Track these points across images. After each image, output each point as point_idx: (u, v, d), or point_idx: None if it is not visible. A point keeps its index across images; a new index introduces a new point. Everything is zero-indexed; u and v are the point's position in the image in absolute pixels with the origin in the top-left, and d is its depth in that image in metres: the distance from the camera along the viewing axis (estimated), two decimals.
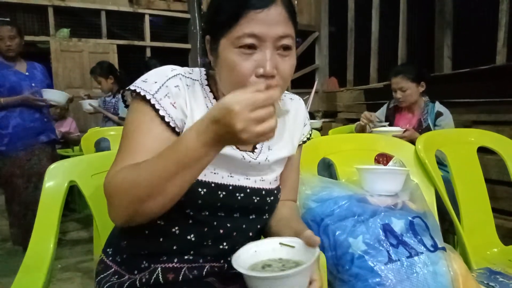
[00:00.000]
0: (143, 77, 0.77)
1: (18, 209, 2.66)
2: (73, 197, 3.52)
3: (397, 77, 2.39)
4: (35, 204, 2.62)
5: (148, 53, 5.69)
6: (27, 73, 2.68)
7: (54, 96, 2.76)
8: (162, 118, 0.74)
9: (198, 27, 5.54)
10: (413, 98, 2.38)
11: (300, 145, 0.96)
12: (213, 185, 0.78)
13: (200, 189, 0.77)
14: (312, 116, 4.06)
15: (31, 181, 2.63)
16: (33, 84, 2.67)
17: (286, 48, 0.74)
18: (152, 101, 0.74)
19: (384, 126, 2.39)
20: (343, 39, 5.15)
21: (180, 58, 5.80)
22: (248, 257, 0.69)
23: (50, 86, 2.87)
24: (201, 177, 0.77)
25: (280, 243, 0.72)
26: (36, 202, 2.62)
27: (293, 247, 0.71)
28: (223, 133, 0.60)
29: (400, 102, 2.42)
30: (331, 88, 5.30)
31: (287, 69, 0.75)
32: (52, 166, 1.07)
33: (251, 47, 0.71)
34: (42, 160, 2.66)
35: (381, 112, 2.63)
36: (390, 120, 2.53)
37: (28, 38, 4.94)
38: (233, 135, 0.59)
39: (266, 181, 0.86)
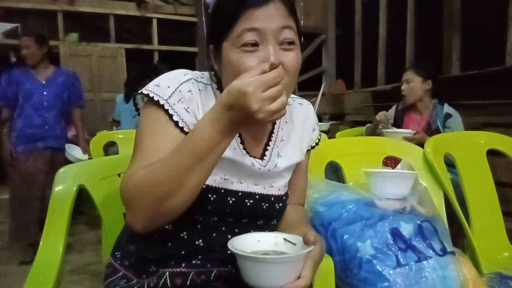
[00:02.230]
0: (155, 81, 0.77)
1: (14, 205, 2.81)
2: (83, 200, 3.54)
3: (407, 71, 2.46)
4: (28, 203, 2.78)
5: (156, 56, 5.73)
6: (44, 82, 2.78)
7: (73, 155, 2.93)
8: (176, 123, 0.74)
9: (205, 31, 5.57)
10: (417, 93, 2.39)
11: (308, 150, 0.96)
12: (222, 191, 0.78)
13: (210, 195, 0.77)
14: (319, 118, 4.03)
15: (26, 180, 2.74)
16: (44, 93, 2.76)
17: (290, 43, 0.73)
18: (166, 107, 0.74)
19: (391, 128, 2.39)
20: (350, 41, 5.13)
21: (188, 62, 5.84)
22: (250, 243, 0.71)
23: (74, 93, 2.94)
24: (211, 183, 0.77)
25: (284, 239, 0.74)
26: (28, 201, 2.80)
27: (294, 244, 0.72)
28: (239, 117, 0.61)
29: (404, 96, 2.45)
30: (338, 90, 5.28)
31: (292, 62, 0.73)
32: (62, 170, 1.09)
33: (254, 44, 0.71)
34: (38, 162, 2.75)
35: (390, 113, 2.62)
36: (399, 122, 2.52)
37: None
38: (249, 117, 0.60)
39: (275, 187, 0.86)
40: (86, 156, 2.99)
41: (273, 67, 0.62)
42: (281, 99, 0.61)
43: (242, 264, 0.66)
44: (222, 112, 0.61)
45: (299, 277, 0.66)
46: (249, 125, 0.64)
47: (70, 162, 2.80)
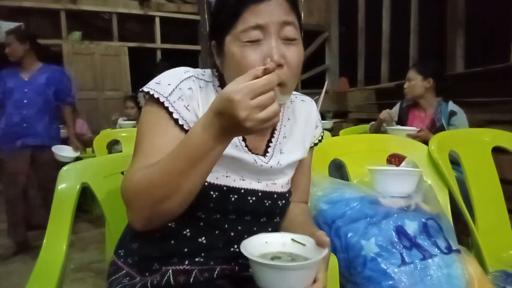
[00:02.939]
0: (156, 79, 0.77)
1: (5, 205, 2.82)
2: (86, 198, 3.56)
3: (410, 69, 2.50)
4: (13, 203, 2.71)
5: (159, 55, 5.74)
6: (27, 79, 2.75)
7: (61, 155, 2.83)
8: (176, 121, 0.74)
9: (207, 29, 5.58)
10: (416, 91, 2.41)
11: (311, 147, 0.96)
12: (225, 188, 0.78)
13: (212, 192, 0.77)
14: (322, 116, 4.03)
15: (10, 180, 2.75)
16: (25, 90, 2.73)
17: (292, 39, 0.74)
18: (166, 104, 0.74)
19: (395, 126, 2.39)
20: (354, 39, 5.11)
21: (190, 60, 5.84)
22: (258, 246, 0.70)
23: (62, 90, 2.88)
24: (213, 180, 0.77)
25: (292, 239, 0.72)
26: (13, 201, 2.73)
27: (304, 245, 0.71)
28: (228, 124, 0.60)
29: (406, 93, 2.49)
30: (342, 88, 5.27)
31: (294, 57, 0.74)
32: (65, 168, 1.08)
33: (256, 40, 0.71)
34: (18, 162, 2.74)
35: (394, 111, 2.62)
36: (403, 119, 2.52)
37: (40, 41, 5.02)
38: (238, 124, 0.59)
39: (277, 184, 0.85)
40: (77, 154, 2.92)
41: (266, 72, 0.59)
42: (271, 108, 0.59)
43: (259, 270, 0.63)
44: (214, 118, 0.61)
45: (314, 280, 0.65)
46: (239, 132, 0.63)
47: (62, 161, 2.79)
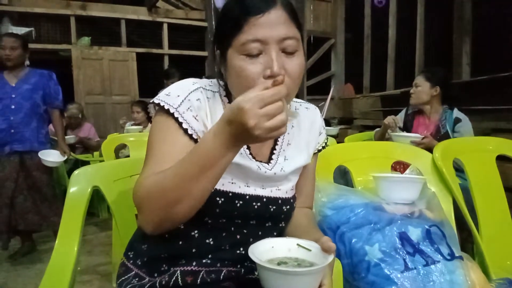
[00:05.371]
0: (166, 91, 0.80)
1: None
2: (93, 202, 3.60)
3: (418, 76, 2.51)
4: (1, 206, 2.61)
5: (166, 60, 5.79)
6: (14, 85, 2.71)
7: (47, 160, 2.75)
8: (185, 130, 0.77)
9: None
10: (422, 98, 2.43)
11: (315, 154, 0.98)
12: (230, 194, 0.80)
13: (218, 198, 0.79)
14: (328, 123, 4.04)
15: None
16: (13, 96, 2.68)
17: (292, 52, 0.75)
18: (176, 115, 0.77)
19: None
20: (360, 45, 5.14)
21: (197, 66, 5.89)
22: (265, 251, 0.72)
23: (49, 94, 2.83)
24: (219, 186, 0.79)
25: (298, 244, 0.74)
26: (1, 205, 2.62)
27: (309, 250, 0.72)
28: (238, 132, 0.62)
29: (411, 99, 2.50)
30: (347, 94, 5.29)
31: (295, 68, 0.75)
32: (76, 171, 1.11)
33: (257, 53, 0.73)
34: (6, 168, 2.68)
35: (399, 117, 2.63)
36: (408, 126, 2.53)
37: (50, 46, 5.12)
38: (247, 132, 0.61)
39: (282, 190, 0.88)
40: (64, 158, 2.88)
41: (275, 84, 0.62)
42: (279, 117, 0.61)
43: (267, 275, 0.65)
44: (224, 126, 0.63)
45: (320, 285, 0.67)
46: (249, 141, 0.65)
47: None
